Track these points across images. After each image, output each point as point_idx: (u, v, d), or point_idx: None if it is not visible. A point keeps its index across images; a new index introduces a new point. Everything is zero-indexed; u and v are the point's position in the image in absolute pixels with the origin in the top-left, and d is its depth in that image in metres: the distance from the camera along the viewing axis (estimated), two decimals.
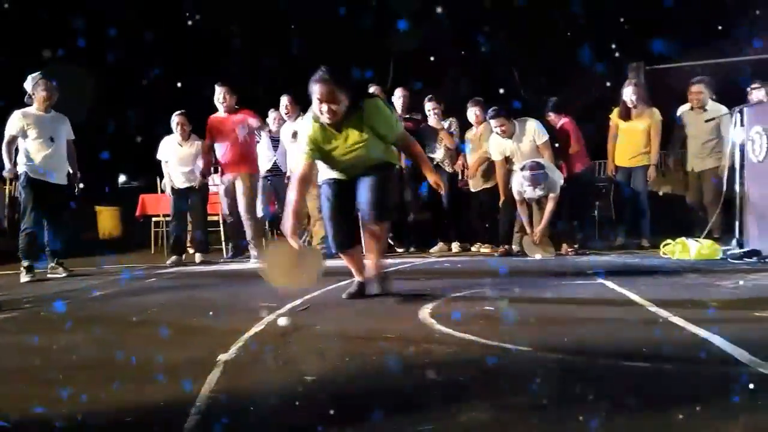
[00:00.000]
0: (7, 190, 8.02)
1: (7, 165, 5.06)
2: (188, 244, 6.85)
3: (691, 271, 4.15)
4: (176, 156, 6.30)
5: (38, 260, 5.15)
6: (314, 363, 1.98)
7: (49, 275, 5.11)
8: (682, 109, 6.10)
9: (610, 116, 6.37)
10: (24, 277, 4.93)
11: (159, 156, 6.36)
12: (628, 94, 6.16)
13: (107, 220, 10.07)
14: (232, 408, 1.57)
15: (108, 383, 1.84)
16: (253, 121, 5.98)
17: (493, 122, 5.76)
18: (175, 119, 6.26)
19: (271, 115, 6.72)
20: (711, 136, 5.78)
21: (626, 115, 6.21)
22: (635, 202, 6.19)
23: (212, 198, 7.44)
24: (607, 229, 6.91)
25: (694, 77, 6.07)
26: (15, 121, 5.01)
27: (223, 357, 2.07)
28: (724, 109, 5.70)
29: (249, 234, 6.03)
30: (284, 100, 6.16)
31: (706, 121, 5.65)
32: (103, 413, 1.58)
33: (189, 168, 6.32)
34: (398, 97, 6.51)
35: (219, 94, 5.90)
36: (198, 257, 6.27)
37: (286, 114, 6.18)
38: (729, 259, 4.70)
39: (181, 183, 6.30)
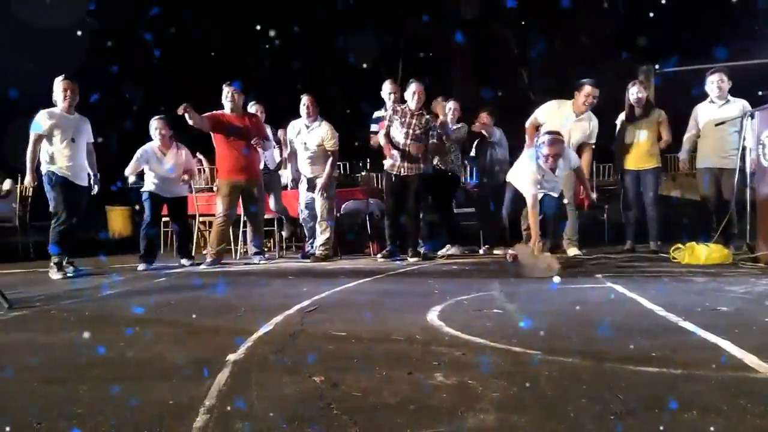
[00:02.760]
0: (19, 188, 8.08)
1: (29, 167, 5.06)
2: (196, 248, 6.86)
3: (701, 276, 4.13)
4: (156, 166, 5.87)
5: (70, 256, 5.24)
6: (322, 364, 1.99)
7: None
8: (700, 106, 5.86)
9: (616, 121, 6.30)
10: (55, 275, 5.00)
11: (128, 172, 5.79)
12: (633, 94, 6.09)
13: (118, 220, 10.14)
14: (240, 408, 1.58)
15: (117, 382, 1.85)
16: (265, 139, 5.94)
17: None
18: (154, 124, 5.87)
19: (253, 108, 6.55)
20: (735, 128, 5.50)
21: (632, 117, 6.13)
22: (644, 206, 6.13)
23: (211, 198, 7.43)
24: (616, 233, 6.87)
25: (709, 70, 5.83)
26: (43, 120, 5.06)
27: (232, 357, 2.08)
28: (745, 104, 5.56)
29: (258, 236, 6.10)
30: (305, 100, 6.07)
31: (717, 125, 5.57)
32: (111, 412, 1.59)
33: (172, 180, 5.93)
34: (449, 109, 6.49)
35: (227, 93, 5.79)
36: (185, 262, 6.02)
37: (305, 113, 6.07)
38: (739, 264, 4.67)
39: (163, 192, 5.94)
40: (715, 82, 5.67)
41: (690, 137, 5.95)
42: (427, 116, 5.94)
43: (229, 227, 6.08)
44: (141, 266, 5.63)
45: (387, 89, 6.32)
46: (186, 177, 6.00)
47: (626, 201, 6.32)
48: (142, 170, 5.94)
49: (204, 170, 7.79)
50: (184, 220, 6.28)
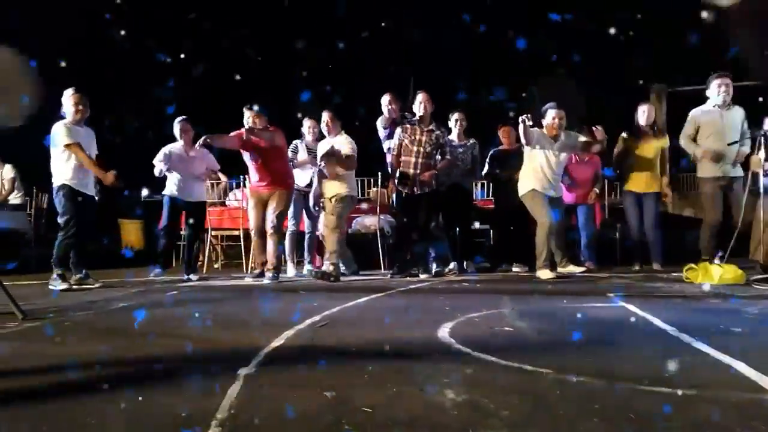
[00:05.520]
0: (34, 201, 8.18)
1: (97, 170, 5.15)
2: (201, 259, 6.90)
3: (714, 296, 4.09)
4: (180, 165, 6.06)
5: (71, 270, 5.26)
6: (333, 379, 1.99)
7: (74, 286, 5.18)
8: (701, 112, 5.63)
9: (619, 139, 6.19)
10: (60, 285, 5.03)
11: (157, 161, 6.00)
12: (643, 114, 6.00)
13: (130, 232, 10.22)
14: (252, 422, 1.58)
15: (128, 393, 1.86)
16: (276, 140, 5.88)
17: (553, 112, 5.65)
18: (178, 125, 6.09)
19: (306, 124, 6.52)
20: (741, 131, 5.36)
21: (638, 137, 6.04)
22: (645, 228, 6.03)
23: (232, 213, 7.53)
24: (628, 252, 6.81)
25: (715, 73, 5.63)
26: (62, 128, 5.12)
27: (243, 371, 2.09)
28: (742, 110, 5.48)
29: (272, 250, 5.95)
30: (325, 116, 6.02)
31: (729, 144, 5.51)
32: (123, 423, 1.60)
33: (194, 178, 6.12)
34: (455, 120, 6.47)
35: (248, 117, 5.78)
36: (192, 277, 6.02)
37: (326, 130, 6.00)
38: (753, 285, 4.63)
39: (184, 196, 6.09)
40: (722, 86, 5.48)
41: (688, 137, 5.66)
42: (437, 132, 5.92)
43: (263, 238, 6.00)
44: (156, 270, 5.87)
45: (385, 101, 6.28)
46: (210, 175, 6.31)
47: (628, 223, 6.27)
48: (156, 183, 6.07)
49: (219, 184, 7.86)
50: (200, 229, 6.33)
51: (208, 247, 7.30)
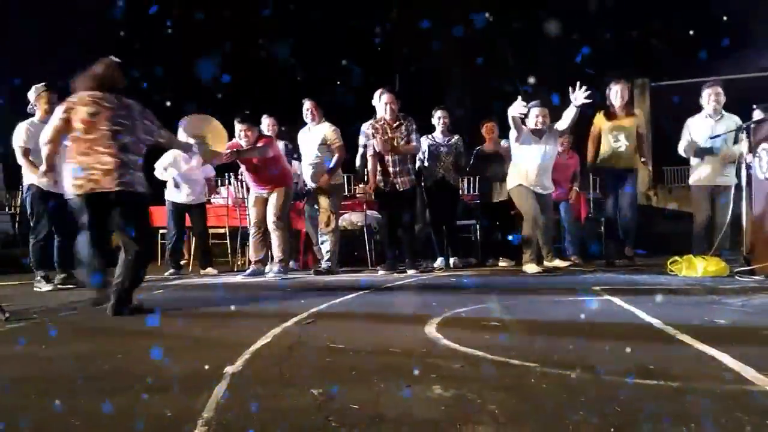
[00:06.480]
0: (17, 201, 8.07)
1: (31, 170, 4.86)
2: (185, 257, 7.02)
3: (698, 289, 4.13)
4: (180, 170, 6.29)
5: (52, 270, 5.19)
6: (320, 376, 1.98)
7: (59, 286, 5.11)
8: (694, 120, 5.70)
9: (594, 119, 6.16)
10: (45, 287, 4.99)
11: (159, 165, 6.27)
12: (616, 92, 5.94)
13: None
14: (238, 420, 1.58)
15: (115, 394, 1.85)
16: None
17: (536, 110, 5.66)
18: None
19: (265, 122, 6.48)
20: (729, 143, 5.43)
21: (611, 116, 5.99)
22: (620, 208, 5.94)
23: (218, 211, 7.50)
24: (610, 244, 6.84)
25: (706, 83, 5.70)
26: (23, 133, 4.92)
27: (229, 369, 2.08)
28: (738, 119, 5.53)
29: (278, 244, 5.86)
30: (307, 104, 6.03)
31: (712, 137, 5.54)
32: (109, 424, 1.59)
33: (194, 182, 6.35)
34: (438, 118, 6.46)
35: (239, 131, 5.69)
36: (210, 270, 6.39)
37: (309, 118, 6.03)
38: (736, 277, 4.68)
39: (184, 198, 6.36)
40: (712, 95, 5.54)
41: (689, 144, 5.69)
42: (405, 123, 5.87)
43: (263, 236, 5.95)
44: (170, 271, 6.27)
45: (385, 99, 6.18)
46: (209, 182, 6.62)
47: (606, 206, 6.19)
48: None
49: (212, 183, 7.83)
50: (204, 228, 6.59)
51: (193, 245, 7.26)
